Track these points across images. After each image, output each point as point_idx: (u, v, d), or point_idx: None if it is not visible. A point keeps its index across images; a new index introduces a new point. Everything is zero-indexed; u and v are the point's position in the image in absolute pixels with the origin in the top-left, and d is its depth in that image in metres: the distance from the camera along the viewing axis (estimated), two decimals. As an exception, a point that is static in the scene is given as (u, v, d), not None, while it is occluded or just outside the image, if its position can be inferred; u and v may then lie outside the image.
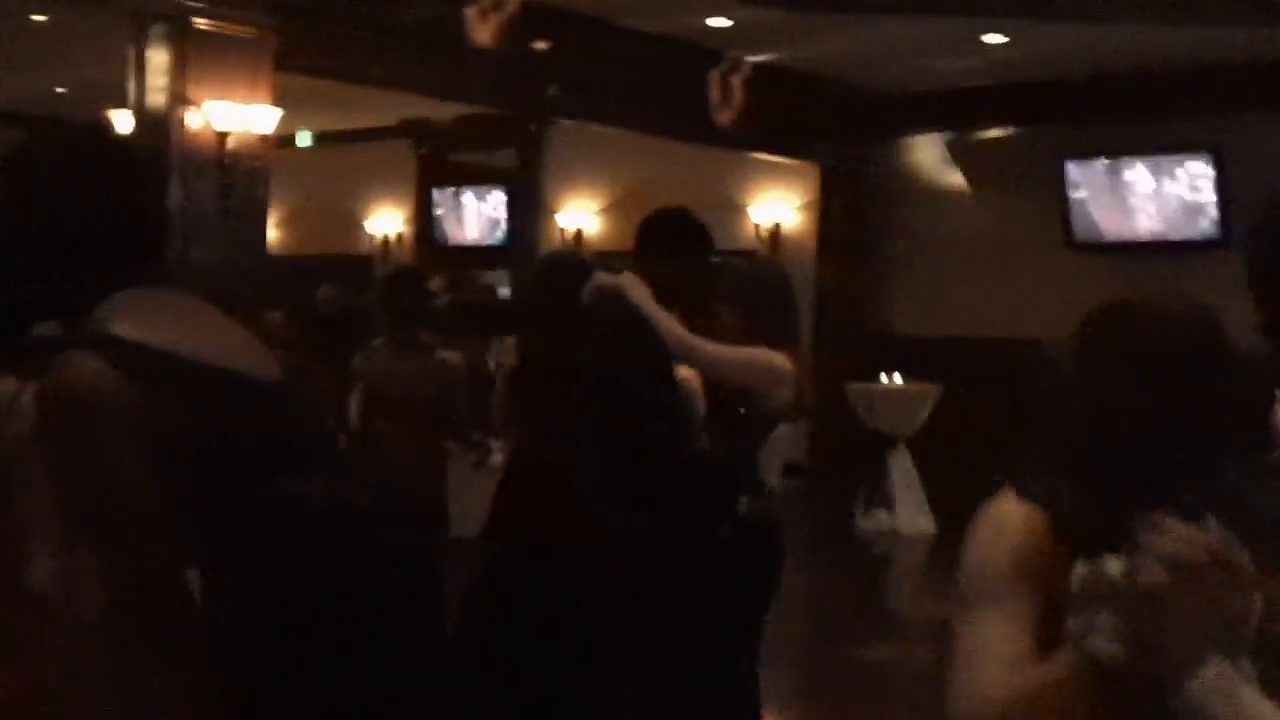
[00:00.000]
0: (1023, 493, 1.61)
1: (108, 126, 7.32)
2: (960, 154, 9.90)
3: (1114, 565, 1.47)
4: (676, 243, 3.68)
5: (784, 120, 9.44)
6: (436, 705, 2.15)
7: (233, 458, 1.94)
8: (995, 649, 1.52)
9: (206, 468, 1.94)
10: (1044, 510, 1.58)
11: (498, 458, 5.16)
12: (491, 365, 5.45)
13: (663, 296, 3.55)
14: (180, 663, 1.99)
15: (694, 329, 3.62)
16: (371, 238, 12.90)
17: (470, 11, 7.19)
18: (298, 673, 1.96)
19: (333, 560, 1.97)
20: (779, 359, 3.56)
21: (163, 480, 1.86)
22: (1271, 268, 1.60)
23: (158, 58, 5.96)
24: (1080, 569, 1.63)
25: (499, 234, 12.07)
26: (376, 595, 2.02)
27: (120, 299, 1.92)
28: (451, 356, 5.22)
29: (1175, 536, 1.39)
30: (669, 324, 3.47)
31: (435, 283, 5.65)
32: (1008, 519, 1.59)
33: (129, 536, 1.88)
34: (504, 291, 10.64)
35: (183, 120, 5.95)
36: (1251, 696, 1.41)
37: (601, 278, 3.66)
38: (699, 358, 3.55)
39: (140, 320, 1.91)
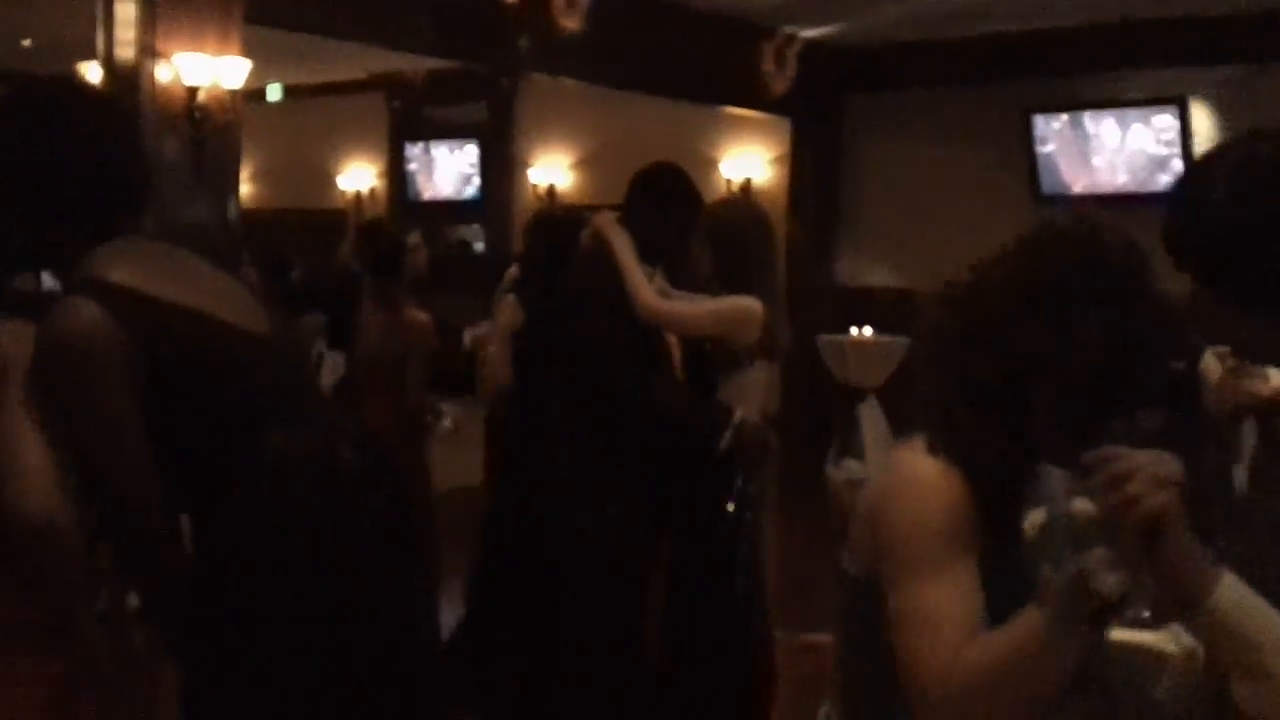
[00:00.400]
0: (934, 450, 1.57)
1: (83, 79, 7.30)
2: (929, 108, 9.94)
3: (1083, 504, 1.48)
4: (667, 197, 3.76)
5: (754, 74, 9.46)
6: (414, 656, 2.16)
7: (220, 406, 1.98)
8: (948, 614, 1.48)
9: (194, 415, 1.98)
10: (958, 466, 1.54)
11: (447, 424, 5.20)
12: (467, 339, 5.44)
13: (648, 248, 3.64)
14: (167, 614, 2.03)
15: (674, 276, 3.71)
16: (344, 193, 12.87)
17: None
18: (277, 621, 1.98)
19: (314, 512, 1.99)
20: (746, 301, 3.65)
21: (153, 425, 1.91)
22: (1179, 240, 1.61)
23: (126, 10, 5.93)
24: (1038, 517, 1.65)
25: (472, 189, 12.06)
26: (356, 547, 2.04)
27: (111, 248, 1.95)
28: (419, 315, 5.23)
29: (1139, 460, 1.34)
30: (641, 288, 3.54)
31: (413, 237, 5.65)
32: (930, 480, 1.55)
33: (122, 478, 1.91)
34: (478, 246, 10.64)
35: (152, 74, 5.94)
36: (1262, 602, 1.37)
37: (595, 222, 3.75)
38: (668, 322, 3.64)
39: (132, 268, 1.93)
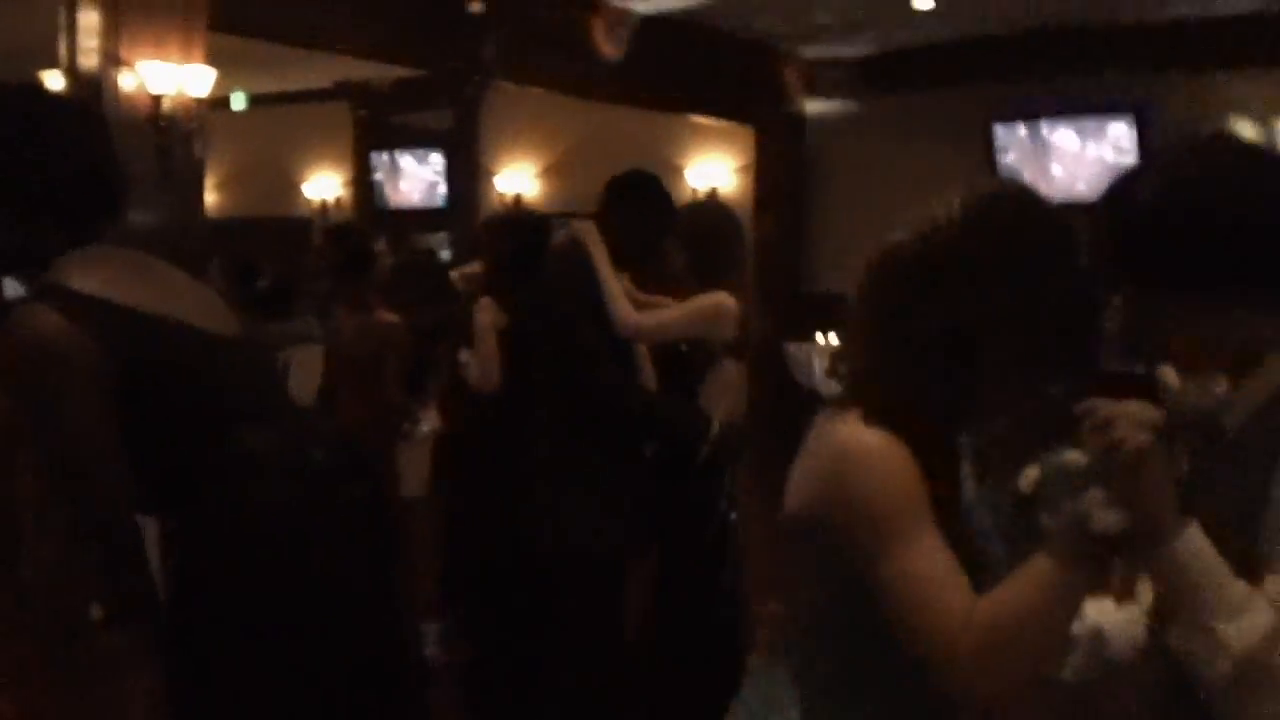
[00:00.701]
0: (872, 420, 1.56)
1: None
2: (893, 116, 10.03)
3: (1074, 455, 1.53)
4: (643, 202, 3.80)
5: (718, 83, 9.52)
6: (387, 655, 2.18)
7: (187, 409, 1.99)
8: (945, 576, 1.47)
9: (165, 417, 1.99)
10: (900, 434, 1.54)
11: (425, 429, 5.20)
12: (456, 278, 5.36)
13: (623, 253, 3.68)
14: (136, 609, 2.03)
15: (646, 275, 3.75)
16: (310, 201, 12.84)
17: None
18: (254, 620, 1.99)
19: (285, 513, 2.01)
20: (721, 298, 3.72)
21: (121, 429, 1.92)
22: (1111, 235, 1.63)
23: (89, 18, 5.92)
24: (1033, 472, 1.73)
25: (438, 197, 12.06)
26: (331, 545, 2.05)
27: (77, 255, 1.97)
28: (391, 317, 5.24)
29: (1123, 408, 1.42)
30: (619, 305, 3.58)
31: (380, 244, 5.66)
32: (881, 449, 1.54)
33: (94, 479, 1.93)
34: (444, 254, 10.64)
35: (116, 82, 5.92)
36: (1220, 562, 1.41)
37: (573, 227, 3.78)
38: (648, 336, 3.70)
39: (97, 275, 1.95)
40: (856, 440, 1.56)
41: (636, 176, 3.88)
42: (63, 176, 2.00)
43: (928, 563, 1.47)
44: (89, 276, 1.95)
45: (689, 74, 9.18)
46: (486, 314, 4.39)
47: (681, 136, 10.68)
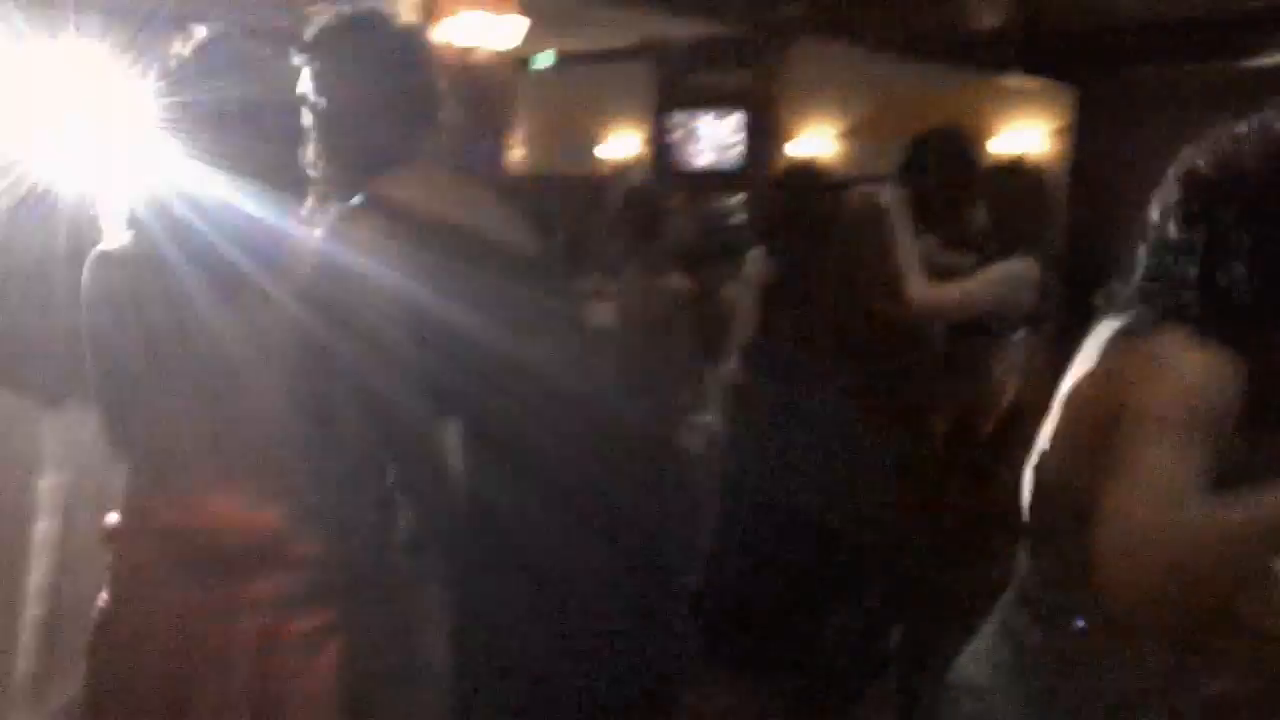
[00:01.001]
0: (1206, 336, 1.54)
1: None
2: (1221, 84, 9.26)
3: None
4: (947, 163, 3.65)
5: (1037, 41, 9.00)
6: (670, 590, 2.17)
7: (488, 321, 1.98)
8: (1185, 480, 1.46)
9: (464, 327, 1.98)
10: (1241, 352, 1.52)
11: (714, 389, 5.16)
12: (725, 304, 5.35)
13: (924, 216, 3.55)
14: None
15: (948, 243, 3.61)
16: (606, 161, 12.96)
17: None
18: (531, 535, 2.01)
19: (570, 432, 2.03)
20: (1022, 267, 3.56)
21: (424, 336, 1.92)
22: None
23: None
24: None
25: (736, 158, 11.94)
26: (609, 468, 2.06)
27: (399, 169, 2.04)
28: (680, 281, 5.20)
29: None
30: (910, 277, 3.47)
31: (675, 200, 5.60)
32: (1203, 364, 1.52)
33: (390, 382, 1.93)
34: (740, 217, 10.52)
35: (427, 32, 6.00)
36: None
37: (864, 193, 3.67)
38: (935, 313, 3.56)
39: (415, 189, 2.02)
40: (1177, 356, 1.54)
41: (939, 133, 3.72)
42: (416, 88, 2.14)
43: (1175, 465, 1.46)
44: (406, 189, 2.03)
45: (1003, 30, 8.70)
46: (753, 266, 4.33)
47: (992, 97, 10.17)
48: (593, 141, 13.06)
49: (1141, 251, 1.74)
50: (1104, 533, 1.47)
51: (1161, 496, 1.45)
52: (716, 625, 4.17)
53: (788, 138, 11.56)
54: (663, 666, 2.17)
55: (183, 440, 2.03)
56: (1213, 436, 1.50)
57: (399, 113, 2.10)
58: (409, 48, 2.17)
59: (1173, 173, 1.71)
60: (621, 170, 12.76)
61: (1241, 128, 1.66)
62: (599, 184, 12.44)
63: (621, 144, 12.92)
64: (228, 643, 1.98)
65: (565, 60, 11.52)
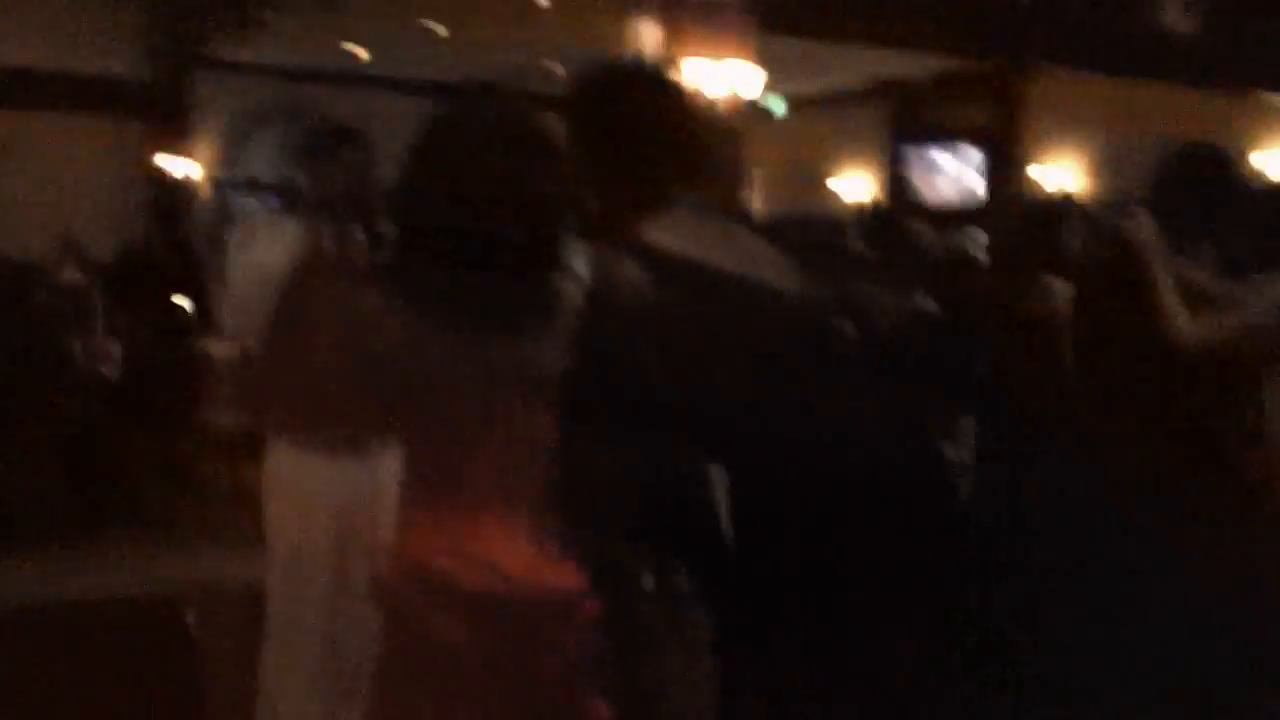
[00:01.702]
0: None
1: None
2: None
3: None
4: (1206, 183, 3.42)
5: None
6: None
7: (748, 364, 1.97)
8: None
9: (723, 371, 1.97)
10: None
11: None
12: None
13: (1180, 240, 3.34)
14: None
15: (1207, 270, 3.41)
16: (843, 198, 12.87)
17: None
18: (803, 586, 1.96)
19: (844, 477, 1.98)
20: None
21: (691, 380, 1.92)
22: None
23: (649, 25, 6.13)
24: None
25: (974, 193, 11.70)
26: (883, 512, 2.02)
27: (664, 215, 2.03)
28: (927, 303, 5.10)
29: None
30: (1175, 314, 3.24)
31: (920, 229, 5.50)
32: None
33: (657, 427, 1.93)
34: (980, 253, 10.29)
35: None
36: None
37: (1116, 224, 3.47)
38: (1204, 352, 3.31)
39: (679, 233, 2.01)
40: None
41: (1193, 151, 3.49)
42: (681, 134, 2.13)
43: None
44: (671, 235, 2.02)
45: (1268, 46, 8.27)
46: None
47: (1255, 118, 9.67)
48: (825, 179, 12.99)
49: None
50: None
51: None
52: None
53: (1028, 171, 11.25)
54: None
55: (458, 485, 2.08)
56: None
57: (662, 158, 2.14)
58: (671, 94, 2.19)
59: None
60: (863, 207, 12.69)
61: None
62: (833, 221, 12.37)
63: (856, 182, 12.81)
64: (501, 700, 2.00)
65: (799, 102, 11.53)
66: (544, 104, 2.25)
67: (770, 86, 8.42)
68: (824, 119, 12.20)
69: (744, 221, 2.28)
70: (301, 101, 11.33)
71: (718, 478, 2.04)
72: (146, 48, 9.30)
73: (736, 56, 6.19)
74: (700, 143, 2.17)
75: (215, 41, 9.09)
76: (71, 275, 7.14)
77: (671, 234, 2.02)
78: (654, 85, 2.19)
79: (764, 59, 6.37)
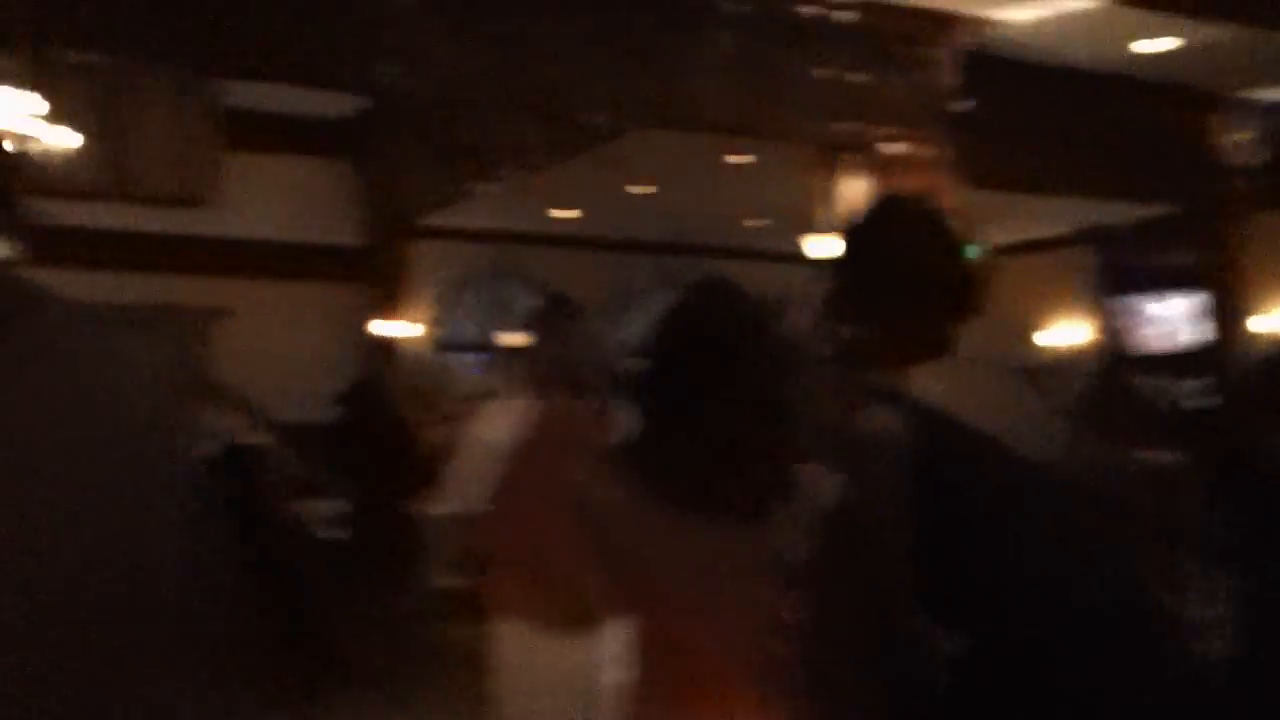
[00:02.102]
0: None
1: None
2: None
3: None
4: None
5: None
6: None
7: (987, 522, 1.88)
8: None
9: (959, 530, 1.88)
10: None
11: None
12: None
13: None
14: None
15: None
16: (1046, 349, 12.59)
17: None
18: None
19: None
20: None
21: (937, 539, 1.84)
22: None
23: (848, 186, 6.18)
24: None
25: (1189, 341, 11.31)
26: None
27: (929, 365, 1.98)
28: (1162, 457, 4.90)
29: None
30: None
31: (1143, 385, 5.33)
32: None
33: (879, 577, 1.88)
34: (1200, 401, 9.88)
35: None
36: None
37: None
38: None
39: (937, 386, 1.94)
40: None
41: None
42: (951, 273, 2.06)
43: None
44: (929, 386, 1.95)
45: None
46: None
47: None
48: (1031, 332, 12.73)
49: None
50: None
51: None
52: None
53: (1247, 316, 10.80)
54: None
55: (693, 667, 2.05)
56: None
57: (943, 299, 2.03)
58: (950, 234, 2.09)
59: None
60: (1080, 356, 12.39)
61: None
62: (1032, 371, 12.06)
63: (1061, 333, 12.52)
64: None
65: (999, 251, 11.40)
66: (800, 261, 2.22)
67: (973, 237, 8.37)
68: (1023, 266, 12.02)
69: (1015, 372, 2.14)
70: (505, 263, 11.73)
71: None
72: (365, 216, 9.82)
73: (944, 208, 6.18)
74: (977, 284, 2.07)
75: (429, 208, 9.54)
76: (263, 439, 7.41)
77: (939, 381, 1.94)
78: (935, 224, 2.09)
79: (970, 210, 6.33)
